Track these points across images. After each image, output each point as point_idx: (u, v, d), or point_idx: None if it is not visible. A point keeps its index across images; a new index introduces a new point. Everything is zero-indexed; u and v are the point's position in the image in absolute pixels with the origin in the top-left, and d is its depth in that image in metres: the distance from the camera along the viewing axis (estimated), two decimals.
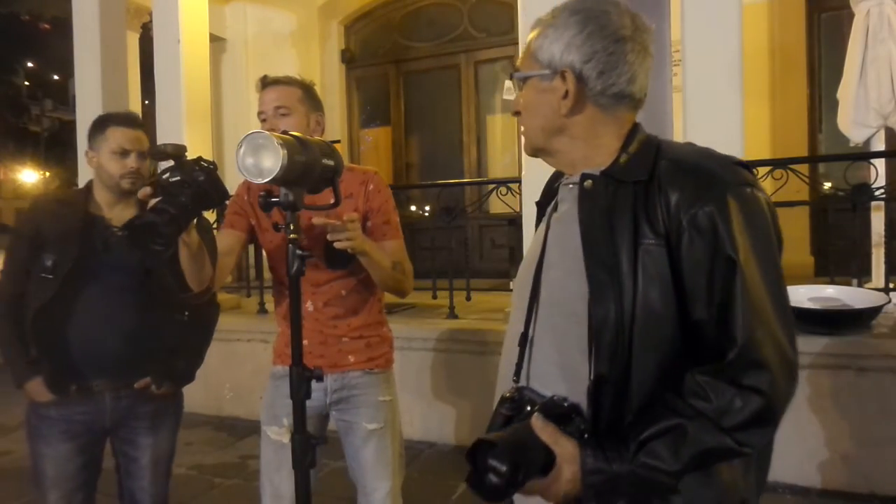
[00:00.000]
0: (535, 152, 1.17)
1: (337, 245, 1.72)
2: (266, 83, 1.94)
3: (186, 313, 2.11)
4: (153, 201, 1.48)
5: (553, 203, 1.18)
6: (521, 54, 1.16)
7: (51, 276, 1.92)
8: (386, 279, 1.92)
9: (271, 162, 1.36)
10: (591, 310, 0.99)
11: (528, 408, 1.01)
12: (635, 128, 1.12)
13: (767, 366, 0.93)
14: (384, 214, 1.95)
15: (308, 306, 1.92)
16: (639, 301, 0.97)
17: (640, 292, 0.97)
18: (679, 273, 0.97)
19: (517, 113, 1.15)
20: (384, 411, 1.97)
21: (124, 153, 1.98)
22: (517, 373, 1.10)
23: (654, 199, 0.98)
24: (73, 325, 1.94)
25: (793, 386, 0.98)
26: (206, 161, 1.54)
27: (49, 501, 1.98)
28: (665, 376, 0.97)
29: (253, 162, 1.38)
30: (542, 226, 1.18)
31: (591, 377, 0.99)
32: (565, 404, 1.01)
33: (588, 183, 1.05)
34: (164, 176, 1.48)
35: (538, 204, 1.27)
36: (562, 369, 1.05)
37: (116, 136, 1.98)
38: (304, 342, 1.92)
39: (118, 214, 2.02)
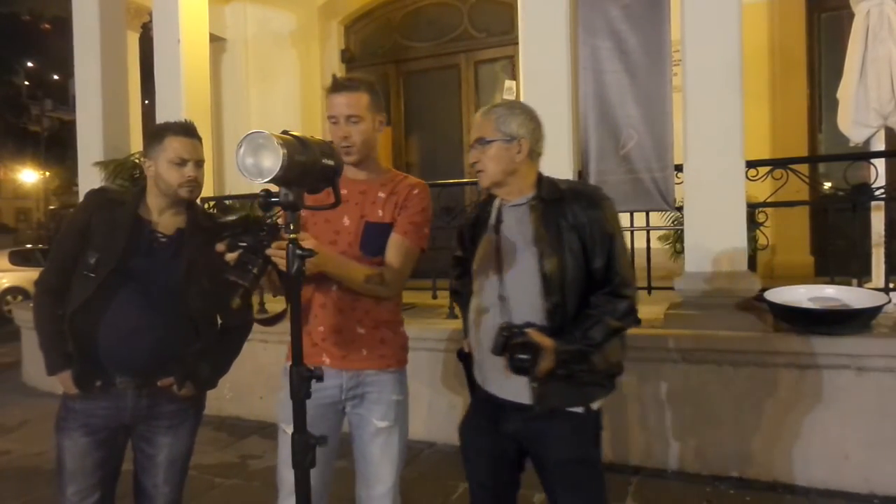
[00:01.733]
0: (492, 185, 1.91)
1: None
2: (338, 87, 1.99)
3: (220, 321, 2.14)
4: (229, 256, 1.52)
5: (496, 217, 1.94)
6: (484, 129, 1.88)
7: (92, 275, 1.96)
8: (359, 290, 1.95)
9: (271, 162, 1.36)
10: (543, 270, 1.80)
11: (516, 329, 1.75)
12: (539, 171, 1.95)
13: (631, 285, 1.84)
14: (413, 215, 2.00)
15: (332, 286, 1.95)
16: (566, 261, 1.80)
17: (567, 255, 1.80)
18: (584, 244, 1.81)
19: (475, 163, 1.89)
20: (395, 410, 2.01)
21: (182, 162, 2.01)
22: (500, 315, 1.84)
23: (565, 208, 1.84)
24: (104, 324, 1.97)
25: (636, 294, 1.86)
26: (267, 221, 1.55)
27: (66, 495, 2.00)
28: (581, 300, 1.82)
29: (253, 162, 1.38)
30: (490, 232, 1.93)
31: (549, 306, 1.80)
32: (536, 323, 1.79)
33: (533, 203, 1.88)
34: (237, 240, 1.53)
35: (473, 221, 2.04)
36: (527, 306, 1.82)
37: (174, 146, 2.01)
38: (320, 329, 1.97)
39: (166, 221, 2.07)
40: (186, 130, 2.05)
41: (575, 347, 1.75)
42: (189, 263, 2.02)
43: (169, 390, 2.03)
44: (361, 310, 1.98)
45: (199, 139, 2.08)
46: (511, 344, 1.72)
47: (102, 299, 1.96)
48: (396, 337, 2.06)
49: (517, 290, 1.84)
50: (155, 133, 2.08)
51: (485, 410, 1.96)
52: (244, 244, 1.50)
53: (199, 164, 2.06)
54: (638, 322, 1.86)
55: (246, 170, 1.38)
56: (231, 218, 1.55)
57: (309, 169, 1.47)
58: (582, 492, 1.86)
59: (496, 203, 1.97)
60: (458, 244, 2.12)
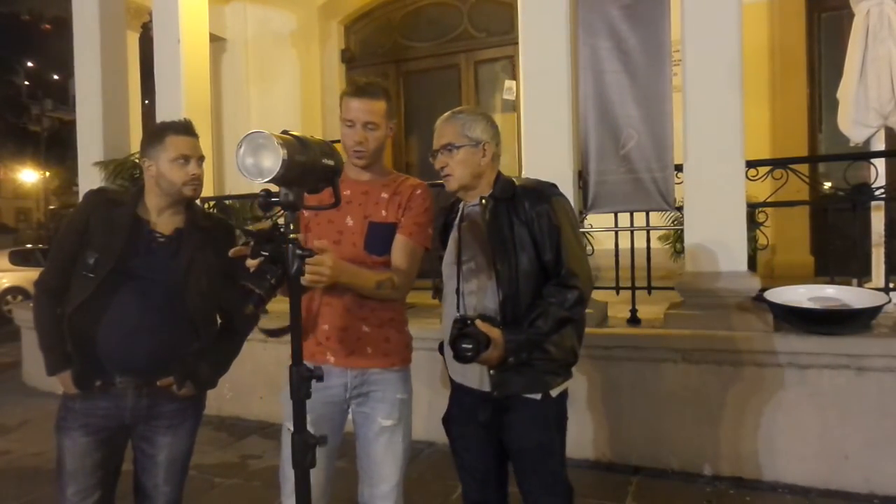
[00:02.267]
0: (460, 188, 2.02)
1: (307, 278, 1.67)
2: (359, 92, 2.00)
3: (220, 321, 2.15)
4: (250, 262, 1.51)
5: (459, 217, 2.07)
6: (451, 135, 1.98)
7: (91, 275, 1.96)
8: (371, 296, 1.97)
9: (271, 162, 1.36)
10: (495, 264, 1.92)
11: (469, 321, 1.85)
12: (498, 171, 2.07)
13: (578, 275, 1.90)
14: (417, 216, 2.03)
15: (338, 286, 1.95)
16: (518, 255, 1.91)
17: (518, 250, 1.91)
18: (534, 238, 1.91)
19: (443, 168, 1.99)
20: (399, 408, 2.02)
21: (185, 160, 2.02)
22: (458, 308, 1.98)
23: (517, 205, 1.94)
24: (104, 324, 1.97)
25: (591, 285, 1.97)
26: (290, 234, 1.53)
27: (66, 495, 2.00)
28: (535, 292, 1.91)
29: (253, 162, 1.38)
30: (455, 231, 2.07)
31: (500, 298, 1.91)
32: (489, 315, 1.91)
33: (485, 201, 1.98)
34: (260, 248, 1.51)
35: (444, 222, 2.15)
36: (481, 299, 1.96)
37: (177, 145, 2.02)
38: (325, 327, 1.99)
39: (164, 221, 2.07)
40: (186, 129, 2.07)
41: (522, 337, 1.85)
42: (188, 263, 2.02)
43: (169, 390, 2.03)
44: (367, 309, 1.99)
45: (198, 136, 2.10)
46: (459, 335, 1.83)
47: (102, 299, 1.96)
48: (401, 336, 2.08)
49: (473, 285, 1.98)
50: (155, 133, 2.09)
51: (461, 401, 2.06)
52: (266, 253, 1.50)
53: (201, 161, 2.08)
54: (583, 308, 1.95)
55: (246, 170, 1.38)
56: (258, 227, 1.55)
57: (309, 169, 1.47)
58: (540, 476, 1.96)
59: (461, 204, 2.09)
60: (439, 244, 2.20)
